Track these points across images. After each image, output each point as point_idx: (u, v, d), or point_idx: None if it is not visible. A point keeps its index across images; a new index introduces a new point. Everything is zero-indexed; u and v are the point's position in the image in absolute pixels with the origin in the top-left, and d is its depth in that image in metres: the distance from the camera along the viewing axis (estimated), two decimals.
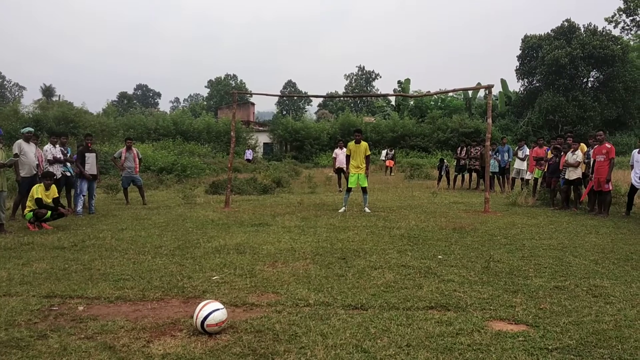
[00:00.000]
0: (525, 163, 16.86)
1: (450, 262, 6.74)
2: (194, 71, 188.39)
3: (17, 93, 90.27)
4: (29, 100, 75.91)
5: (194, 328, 4.22)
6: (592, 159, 11.94)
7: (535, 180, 15.23)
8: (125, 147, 14.31)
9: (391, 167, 29.43)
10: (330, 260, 6.89)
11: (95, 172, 12.39)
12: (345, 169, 18.76)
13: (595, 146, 11.88)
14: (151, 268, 6.48)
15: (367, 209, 12.19)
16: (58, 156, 11.82)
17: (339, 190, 18.29)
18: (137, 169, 14.39)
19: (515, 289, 5.45)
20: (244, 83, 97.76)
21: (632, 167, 11.46)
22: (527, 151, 16.80)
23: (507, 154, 18.03)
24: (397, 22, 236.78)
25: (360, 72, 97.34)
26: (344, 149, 19.08)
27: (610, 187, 11.54)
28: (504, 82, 52.39)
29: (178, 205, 13.74)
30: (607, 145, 11.54)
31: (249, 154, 37.90)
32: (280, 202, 14.33)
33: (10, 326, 4.38)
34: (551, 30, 48.51)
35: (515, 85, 62.90)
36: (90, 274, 6.17)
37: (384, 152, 35.88)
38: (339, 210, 12.21)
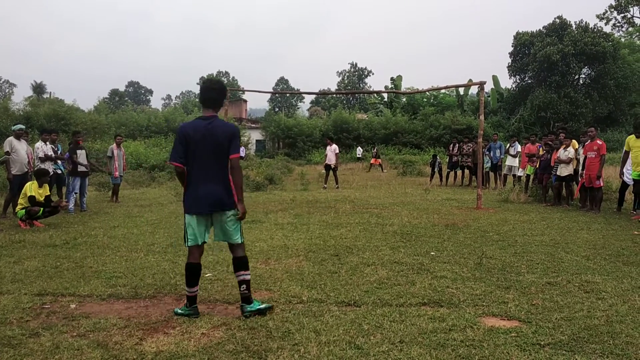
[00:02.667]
0: (517, 160, 16.94)
1: (443, 259, 6.76)
2: (185, 68, 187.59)
3: (7, 90, 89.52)
4: (20, 97, 75.40)
5: None
6: (582, 156, 11.99)
7: (527, 176, 15.31)
8: (115, 144, 14.11)
9: (381, 165, 29.40)
10: (323, 257, 6.89)
11: (86, 169, 12.32)
12: (332, 166, 18.84)
13: (587, 142, 11.92)
14: (144, 265, 6.46)
15: None
16: (49, 153, 11.73)
17: (324, 187, 18.31)
18: (125, 167, 14.35)
19: (507, 285, 5.48)
20: (236, 80, 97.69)
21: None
22: (519, 148, 16.88)
23: (499, 150, 18.11)
24: (390, 19, 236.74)
25: (352, 69, 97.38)
26: (333, 146, 19.12)
27: (601, 184, 11.59)
28: (495, 79, 52.59)
29: (170, 202, 13.70)
30: (598, 142, 11.58)
31: (241, 151, 37.80)
32: (273, 199, 14.31)
33: (2, 324, 4.36)
34: (543, 27, 48.74)
35: (507, 82, 63.07)
36: (82, 272, 6.15)
37: (359, 150, 35.60)
38: None
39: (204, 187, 4.46)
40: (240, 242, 4.63)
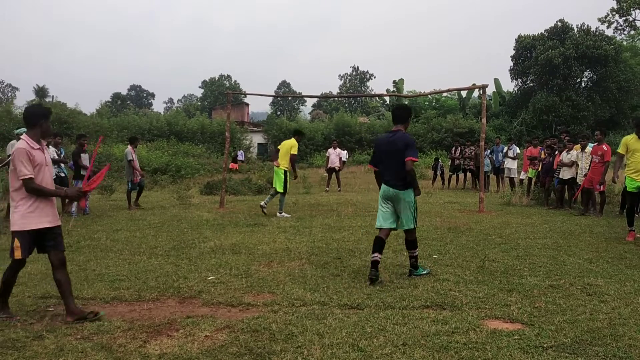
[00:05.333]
0: (516, 162, 17.00)
1: (446, 262, 6.77)
2: (187, 71, 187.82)
3: (9, 94, 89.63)
4: (22, 101, 75.40)
5: None
6: (589, 157, 11.89)
7: (530, 179, 15.31)
8: (132, 147, 13.50)
9: (238, 169, 27.41)
10: (326, 260, 6.90)
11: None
12: (337, 169, 18.90)
13: (594, 145, 11.80)
14: (147, 268, 6.48)
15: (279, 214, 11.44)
16: (52, 156, 11.75)
17: (326, 190, 18.34)
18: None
19: (510, 288, 5.48)
20: (238, 83, 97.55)
21: (625, 166, 11.42)
22: (517, 150, 16.97)
23: (501, 154, 18.14)
24: (392, 24, 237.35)
25: (354, 73, 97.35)
26: (337, 149, 19.20)
27: (603, 189, 11.51)
28: (497, 82, 52.46)
29: (173, 206, 13.72)
30: (603, 147, 11.42)
31: (240, 155, 37.78)
32: (275, 203, 14.30)
33: (6, 327, 4.37)
34: (545, 31, 48.64)
35: (509, 85, 62.91)
36: (85, 275, 6.17)
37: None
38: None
39: (387, 182, 6.00)
40: (409, 227, 5.99)
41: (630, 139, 8.87)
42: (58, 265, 4.65)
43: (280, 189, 11.60)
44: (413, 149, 5.90)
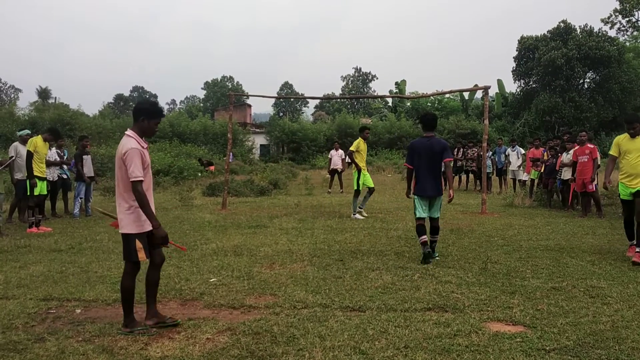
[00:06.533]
0: (521, 163, 16.99)
1: (448, 264, 6.75)
2: (190, 73, 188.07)
3: (12, 95, 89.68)
4: (25, 102, 75.42)
5: None
6: (572, 161, 11.87)
7: (532, 181, 15.28)
8: None
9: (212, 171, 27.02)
10: (328, 262, 6.89)
11: (92, 174, 12.38)
12: (339, 170, 18.90)
13: (577, 147, 11.78)
14: None
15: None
16: (54, 159, 11.79)
17: (328, 192, 18.31)
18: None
19: (512, 290, 5.47)
20: (241, 85, 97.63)
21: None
22: (522, 151, 16.95)
23: (503, 155, 18.11)
24: (393, 24, 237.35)
25: (356, 74, 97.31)
26: (339, 151, 19.19)
27: (594, 188, 11.46)
28: (500, 83, 52.42)
29: (175, 207, 13.72)
30: (589, 145, 11.45)
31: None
32: (277, 204, 14.32)
33: (8, 329, 4.38)
34: (547, 32, 48.55)
35: (512, 86, 62.86)
36: (87, 277, 6.17)
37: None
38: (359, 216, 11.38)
39: (426, 181, 7.01)
40: (438, 216, 7.17)
41: (622, 138, 7.73)
42: (160, 263, 4.59)
43: (354, 187, 11.61)
44: (449, 151, 7.19)
